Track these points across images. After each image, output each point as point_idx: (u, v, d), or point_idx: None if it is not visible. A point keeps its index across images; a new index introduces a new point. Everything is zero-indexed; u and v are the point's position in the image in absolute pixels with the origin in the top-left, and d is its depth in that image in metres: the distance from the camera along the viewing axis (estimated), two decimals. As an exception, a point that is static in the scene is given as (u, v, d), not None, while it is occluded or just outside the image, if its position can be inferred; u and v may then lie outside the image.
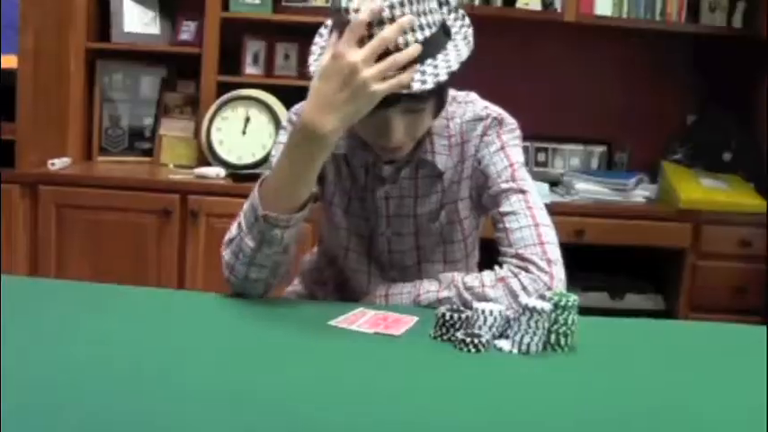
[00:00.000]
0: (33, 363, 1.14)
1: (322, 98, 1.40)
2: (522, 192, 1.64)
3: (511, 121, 1.72)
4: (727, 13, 3.77)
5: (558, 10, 3.62)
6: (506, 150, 1.68)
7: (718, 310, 3.34)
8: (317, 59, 1.54)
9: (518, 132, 1.72)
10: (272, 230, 1.50)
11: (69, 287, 1.66)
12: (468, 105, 1.73)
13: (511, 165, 1.66)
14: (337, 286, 1.87)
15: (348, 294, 1.83)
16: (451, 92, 1.72)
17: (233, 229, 1.58)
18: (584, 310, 1.39)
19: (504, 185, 1.65)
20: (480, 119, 1.70)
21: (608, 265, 3.62)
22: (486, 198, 1.69)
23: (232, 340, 1.32)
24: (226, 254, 1.59)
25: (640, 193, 3.56)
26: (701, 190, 3.50)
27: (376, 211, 1.74)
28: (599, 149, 3.96)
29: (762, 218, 3.35)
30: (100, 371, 1.13)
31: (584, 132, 3.92)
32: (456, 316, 1.36)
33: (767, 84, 3.69)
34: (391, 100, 1.43)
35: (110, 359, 1.18)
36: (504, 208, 1.63)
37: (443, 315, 1.36)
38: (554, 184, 3.63)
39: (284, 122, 1.77)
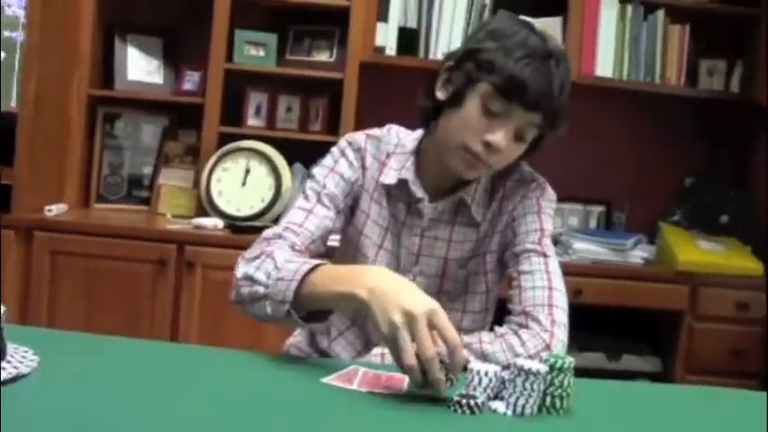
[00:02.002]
0: (19, 413, 1.12)
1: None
2: (545, 256, 1.71)
3: (552, 192, 1.82)
4: (725, 78, 3.80)
5: (560, 70, 3.64)
6: (541, 215, 1.77)
7: (715, 372, 3.32)
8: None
9: (555, 205, 1.83)
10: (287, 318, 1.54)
11: (58, 337, 1.65)
12: (515, 167, 1.81)
13: (541, 229, 1.75)
14: (345, 330, 1.88)
15: (358, 336, 1.86)
16: None
17: (259, 275, 1.58)
18: (580, 371, 1.38)
19: (528, 246, 1.72)
20: (525, 181, 1.80)
21: (605, 326, 3.60)
22: (508, 255, 1.75)
23: (222, 396, 1.30)
24: (243, 285, 1.62)
25: (638, 253, 3.55)
26: (699, 252, 3.49)
27: (408, 248, 1.79)
28: (598, 209, 3.96)
29: (759, 281, 3.34)
30: (85, 422, 1.11)
31: (584, 192, 3.93)
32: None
33: (765, 147, 3.71)
34: (532, 105, 1.59)
35: (96, 411, 1.16)
36: (524, 267, 1.69)
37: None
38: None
39: (334, 149, 1.85)
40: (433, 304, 1.33)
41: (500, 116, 1.60)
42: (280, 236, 1.69)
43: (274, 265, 1.56)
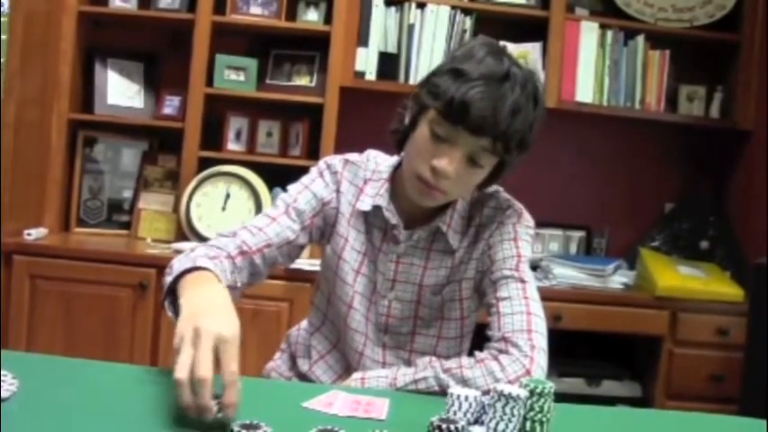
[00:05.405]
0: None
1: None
2: (523, 281, 1.69)
3: (529, 218, 1.81)
4: (705, 103, 3.83)
5: (539, 95, 3.66)
6: (518, 242, 1.75)
7: (694, 398, 3.33)
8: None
9: (532, 231, 1.81)
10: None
11: (38, 361, 1.63)
12: (493, 194, 1.80)
13: (518, 256, 1.72)
14: (326, 353, 1.89)
15: (338, 359, 1.87)
16: None
17: (175, 266, 1.60)
18: (560, 396, 1.37)
19: (506, 272, 1.69)
20: (502, 209, 1.78)
21: (585, 351, 3.60)
22: (486, 282, 1.73)
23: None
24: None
25: (618, 279, 3.56)
26: (679, 277, 3.50)
27: (384, 273, 1.79)
28: (578, 234, 3.97)
29: (738, 306, 3.35)
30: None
31: (564, 217, 3.95)
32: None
33: (749, 173, 3.74)
34: (476, 129, 1.55)
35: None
36: (502, 293, 1.67)
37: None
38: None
39: (314, 168, 1.85)
40: (225, 333, 1.26)
41: (447, 141, 1.59)
42: (234, 233, 1.73)
43: (188, 258, 1.59)
